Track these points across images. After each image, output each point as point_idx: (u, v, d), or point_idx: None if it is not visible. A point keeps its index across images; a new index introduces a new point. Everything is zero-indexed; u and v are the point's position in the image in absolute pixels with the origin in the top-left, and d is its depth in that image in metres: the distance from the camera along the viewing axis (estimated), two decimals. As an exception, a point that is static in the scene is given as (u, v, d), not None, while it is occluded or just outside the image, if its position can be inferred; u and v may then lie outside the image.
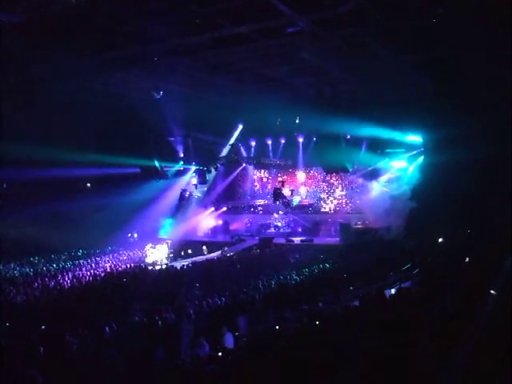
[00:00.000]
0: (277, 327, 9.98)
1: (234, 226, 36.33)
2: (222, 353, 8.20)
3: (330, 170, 36.37)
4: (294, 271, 18.53)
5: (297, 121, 32.97)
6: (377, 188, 30.84)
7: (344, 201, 36.80)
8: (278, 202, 35.84)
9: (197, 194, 37.64)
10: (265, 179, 40.95)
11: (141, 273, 21.49)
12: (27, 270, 23.14)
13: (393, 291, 10.50)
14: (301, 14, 18.27)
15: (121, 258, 27.40)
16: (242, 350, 8.13)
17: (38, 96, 25.90)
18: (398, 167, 30.23)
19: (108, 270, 23.41)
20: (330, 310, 10.55)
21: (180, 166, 37.25)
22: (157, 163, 33.83)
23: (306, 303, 12.34)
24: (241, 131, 36.85)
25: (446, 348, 4.47)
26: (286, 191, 35.67)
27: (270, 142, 37.97)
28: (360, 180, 33.18)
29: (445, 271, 9.39)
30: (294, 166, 38.67)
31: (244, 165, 40.01)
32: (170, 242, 31.26)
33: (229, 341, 10.01)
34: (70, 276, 21.48)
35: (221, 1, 17.15)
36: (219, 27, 19.50)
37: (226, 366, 7.13)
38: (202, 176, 36.85)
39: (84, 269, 23.61)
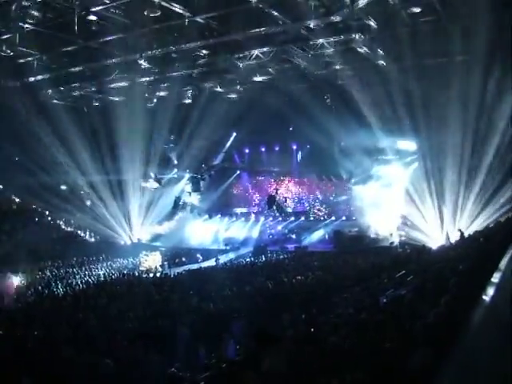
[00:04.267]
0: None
1: (227, 234, 36.21)
2: (217, 360, 8.17)
3: (323, 176, 36.51)
4: (288, 278, 18.50)
5: (290, 128, 33.07)
6: (371, 194, 30.83)
7: (337, 207, 36.83)
8: (271, 210, 35.85)
9: (191, 201, 37.55)
10: (258, 186, 40.95)
11: (135, 281, 21.39)
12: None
13: (387, 298, 10.48)
14: (295, 22, 18.42)
15: (114, 266, 27.27)
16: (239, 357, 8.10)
17: (30, 101, 26.02)
18: (392, 173, 30.24)
19: (102, 277, 23.32)
20: (324, 317, 10.53)
21: (174, 173, 37.24)
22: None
23: (301, 310, 12.32)
24: (234, 138, 36.89)
25: (441, 353, 4.48)
26: (279, 198, 35.68)
27: (263, 150, 38.05)
28: (354, 186, 33.17)
29: (439, 277, 9.40)
30: (288, 173, 38.73)
31: (238, 172, 40.05)
32: (163, 249, 31.18)
33: (231, 349, 9.95)
34: (64, 284, 21.41)
35: (216, 8, 17.28)
36: (214, 34, 19.63)
37: (221, 373, 7.10)
38: (195, 183, 36.81)
39: (77, 277, 23.52)
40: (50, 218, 33.61)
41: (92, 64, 23.56)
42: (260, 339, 6.46)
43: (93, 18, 18.38)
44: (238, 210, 40.26)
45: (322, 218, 36.41)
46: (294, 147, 36.62)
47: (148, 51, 21.65)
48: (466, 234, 18.92)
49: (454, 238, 20.70)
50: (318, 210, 37.65)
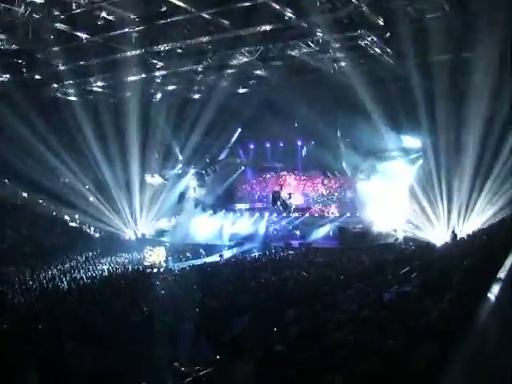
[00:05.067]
0: (275, 329, 9.97)
1: (232, 229, 36.17)
2: (219, 356, 8.18)
3: (328, 173, 36.44)
4: (292, 274, 18.49)
5: (295, 124, 33.00)
6: (375, 191, 30.78)
7: (342, 204, 36.74)
8: (276, 206, 35.80)
9: (195, 196, 37.56)
10: (263, 182, 40.88)
11: (139, 275, 21.44)
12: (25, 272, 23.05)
13: (391, 295, 10.46)
14: (301, 18, 18.34)
15: (119, 261, 27.32)
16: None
17: (33, 97, 26.03)
18: (397, 170, 30.18)
19: (106, 272, 23.38)
20: (328, 313, 10.52)
21: (179, 168, 37.26)
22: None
23: (305, 306, 12.31)
24: (239, 134, 36.86)
25: (445, 350, 4.47)
26: (284, 194, 35.63)
27: (268, 145, 38.00)
28: (358, 183, 33.10)
29: (443, 274, 9.38)
30: (293, 169, 38.66)
31: (243, 168, 39.98)
32: (168, 244, 31.23)
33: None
34: (68, 278, 21.47)
35: (223, 4, 17.23)
36: (220, 30, 19.58)
37: (223, 369, 7.10)
38: (200, 179, 36.82)
39: (82, 271, 23.58)
40: (54, 213, 33.67)
41: (97, 59, 23.49)
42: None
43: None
44: (243, 206, 40.16)
45: (326, 215, 36.26)
46: (299, 143, 36.56)
47: (154, 46, 21.60)
48: (470, 232, 18.97)
49: (450, 237, 20.82)
50: (323, 206, 37.52)
